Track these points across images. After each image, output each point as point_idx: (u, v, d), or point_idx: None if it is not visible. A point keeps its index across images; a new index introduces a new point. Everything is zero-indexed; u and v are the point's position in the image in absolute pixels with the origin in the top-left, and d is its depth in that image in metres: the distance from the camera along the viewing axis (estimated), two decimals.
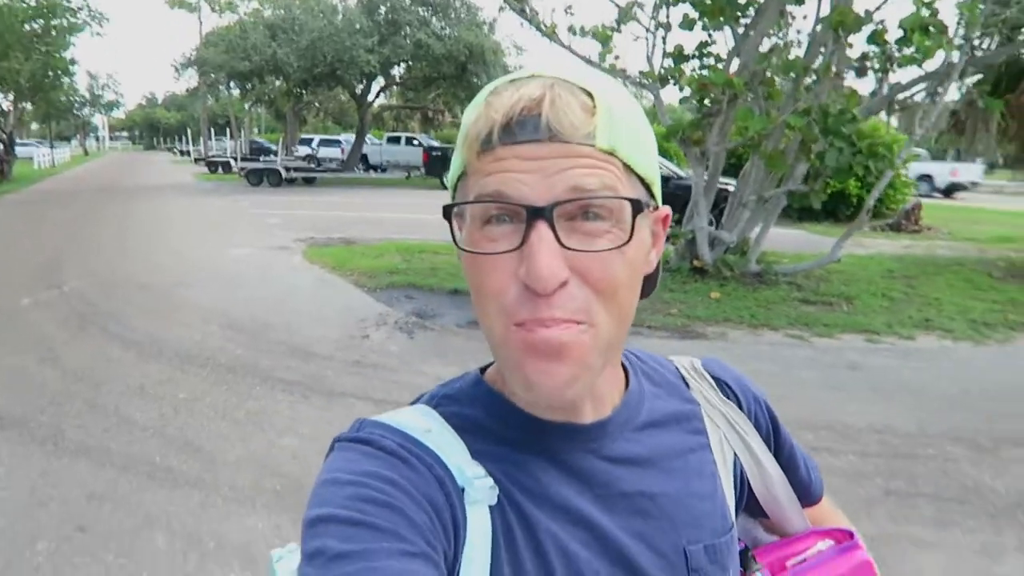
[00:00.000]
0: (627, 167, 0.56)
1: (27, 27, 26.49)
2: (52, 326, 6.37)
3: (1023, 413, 4.58)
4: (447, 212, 0.58)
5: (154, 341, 5.89)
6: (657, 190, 0.60)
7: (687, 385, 0.74)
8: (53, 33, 27.89)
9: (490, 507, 0.58)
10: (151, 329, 6.25)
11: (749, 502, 0.76)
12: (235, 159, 29.09)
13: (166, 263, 9.52)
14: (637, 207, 0.55)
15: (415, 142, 30.13)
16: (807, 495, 0.79)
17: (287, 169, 24.65)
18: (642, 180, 0.58)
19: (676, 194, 9.41)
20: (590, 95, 0.54)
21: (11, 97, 30.83)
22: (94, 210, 16.57)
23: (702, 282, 8.10)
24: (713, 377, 0.75)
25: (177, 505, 3.29)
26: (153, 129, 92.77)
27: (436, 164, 24.58)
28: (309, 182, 25.65)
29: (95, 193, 21.41)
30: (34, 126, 72.95)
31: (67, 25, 28.46)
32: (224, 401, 4.58)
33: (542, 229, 0.51)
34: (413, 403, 0.69)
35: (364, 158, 30.78)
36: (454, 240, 0.58)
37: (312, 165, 26.49)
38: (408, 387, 4.83)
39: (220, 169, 31.00)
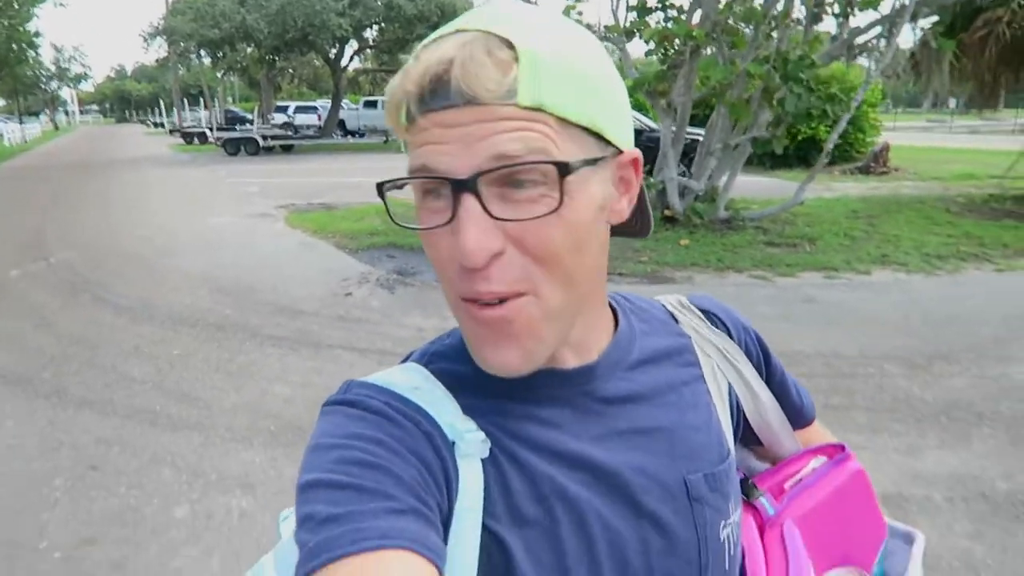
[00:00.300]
0: (563, 120, 0.51)
1: None
2: (43, 295, 6.58)
3: (958, 334, 4.96)
4: (379, 189, 0.58)
5: (145, 306, 6.13)
6: (616, 135, 0.56)
7: (676, 320, 0.74)
8: (16, 5, 27.25)
9: (483, 460, 0.57)
10: (141, 295, 6.49)
11: (744, 430, 0.76)
12: (211, 129, 28.84)
13: (149, 234, 9.68)
14: (563, 169, 0.51)
15: None
16: (799, 418, 0.81)
17: (264, 137, 24.54)
18: (588, 130, 0.53)
19: (648, 146, 9.67)
20: (512, 46, 0.50)
21: None
22: (72, 185, 16.55)
23: (673, 230, 8.40)
24: (701, 310, 0.76)
25: (180, 446, 3.59)
26: (124, 101, 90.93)
27: None
28: (287, 150, 25.56)
29: (70, 168, 21.27)
30: (0, 102, 71.36)
31: None
32: (216, 356, 4.86)
33: (468, 202, 0.50)
34: (403, 362, 0.68)
35: (341, 124, 30.59)
36: (389, 216, 0.58)
37: (289, 132, 26.37)
38: (390, 338, 5.13)
39: (196, 140, 30.73)
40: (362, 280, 6.81)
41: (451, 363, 0.64)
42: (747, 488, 0.76)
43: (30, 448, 3.60)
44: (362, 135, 29.57)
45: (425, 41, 0.54)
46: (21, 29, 28.48)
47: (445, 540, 0.54)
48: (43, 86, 58.15)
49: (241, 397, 4.18)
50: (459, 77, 0.49)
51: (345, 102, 32.22)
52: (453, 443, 0.57)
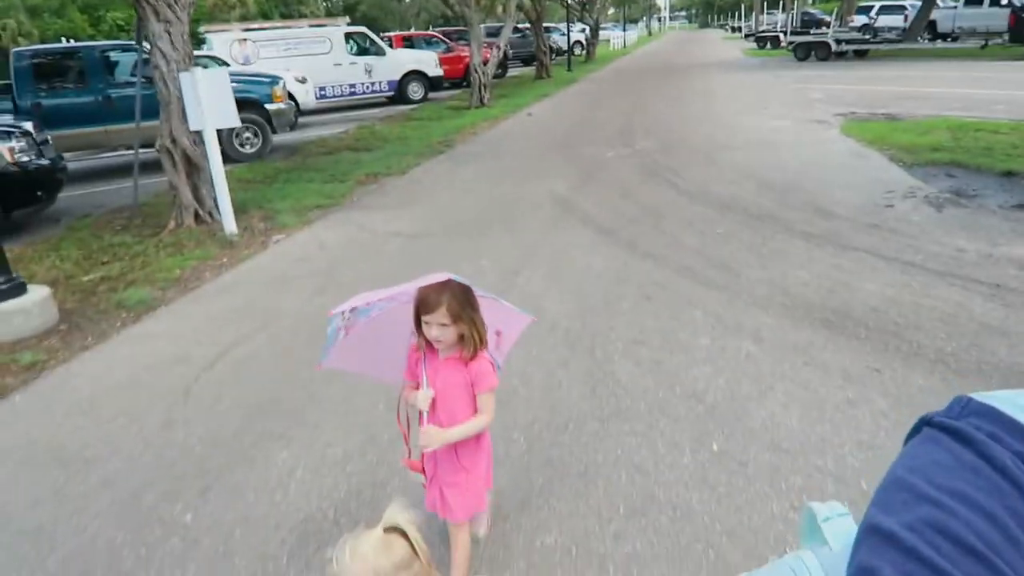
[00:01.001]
0: None
1: None
2: (628, 172, 8.29)
3: None
4: None
5: (701, 191, 7.22)
6: None
7: None
8: None
9: None
10: (699, 182, 7.61)
11: None
12: (784, 33, 28.87)
13: (713, 131, 10.86)
14: None
15: (1002, 2, 24.93)
16: None
17: (837, 42, 23.53)
18: None
19: None
20: None
21: None
22: (654, 85, 19.11)
23: None
24: None
25: (711, 299, 4.48)
26: (708, 7, 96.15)
27: None
28: (861, 55, 24.03)
29: (655, 70, 24.34)
30: (611, 11, 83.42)
31: None
32: (751, 239, 5.59)
33: None
34: None
35: (931, 25, 26.97)
36: None
37: (867, 36, 24.60)
38: (922, 252, 5.04)
39: (768, 44, 31.23)
40: (908, 194, 6.59)
41: None
42: None
43: (609, 277, 4.98)
44: (955, 39, 25.64)
45: None
46: None
47: None
48: None
49: (765, 273, 4.83)
50: None
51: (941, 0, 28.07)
52: None
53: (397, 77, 18.05)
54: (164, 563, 2.49)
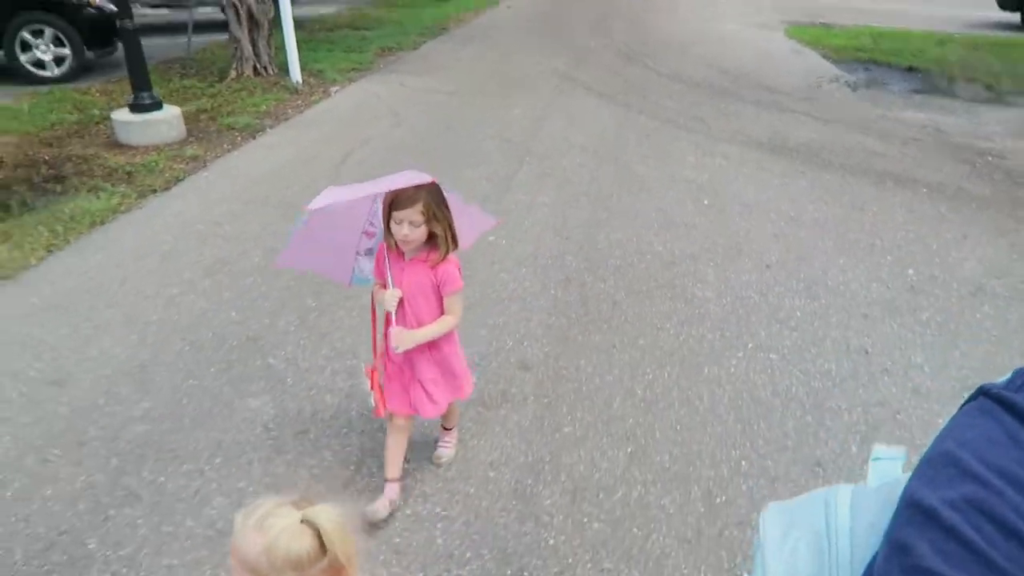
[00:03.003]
0: None
1: None
2: (611, 58, 9.86)
3: None
4: None
5: (675, 73, 8.89)
6: None
7: None
8: None
9: None
10: (672, 67, 9.27)
11: None
12: None
13: (677, 31, 12.43)
14: None
15: None
16: None
17: None
18: None
19: None
20: None
21: None
22: None
23: None
24: None
25: (691, 137, 6.24)
26: None
27: None
28: None
29: None
30: None
31: None
32: (716, 105, 7.35)
33: None
34: None
35: None
36: None
37: None
38: (839, 114, 6.91)
39: None
40: (833, 80, 8.46)
41: None
42: None
43: (614, 124, 6.67)
44: None
45: None
46: None
47: None
48: None
49: (728, 124, 6.63)
50: None
51: None
52: None
53: None
54: None
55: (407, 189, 1.90)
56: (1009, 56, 9.60)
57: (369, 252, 2.21)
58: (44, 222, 4.48)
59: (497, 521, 2.25)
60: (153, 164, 5.54)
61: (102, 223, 4.51)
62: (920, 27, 11.93)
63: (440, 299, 2.09)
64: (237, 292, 3.63)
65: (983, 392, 0.47)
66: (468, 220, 2.21)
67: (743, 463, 2.45)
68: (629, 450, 2.52)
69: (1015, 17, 12.40)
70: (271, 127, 6.62)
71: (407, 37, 11.41)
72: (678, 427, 2.63)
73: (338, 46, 10.51)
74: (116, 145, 6.10)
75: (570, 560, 2.10)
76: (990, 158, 5.75)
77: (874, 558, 0.46)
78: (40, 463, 2.46)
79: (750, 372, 2.95)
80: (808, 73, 8.86)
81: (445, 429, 2.49)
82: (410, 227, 1.93)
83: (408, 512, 2.28)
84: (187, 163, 5.61)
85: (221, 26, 8.87)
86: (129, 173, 5.39)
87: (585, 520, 2.25)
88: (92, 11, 8.01)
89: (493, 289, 3.65)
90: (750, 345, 3.14)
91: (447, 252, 2.03)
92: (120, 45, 8.60)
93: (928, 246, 4.13)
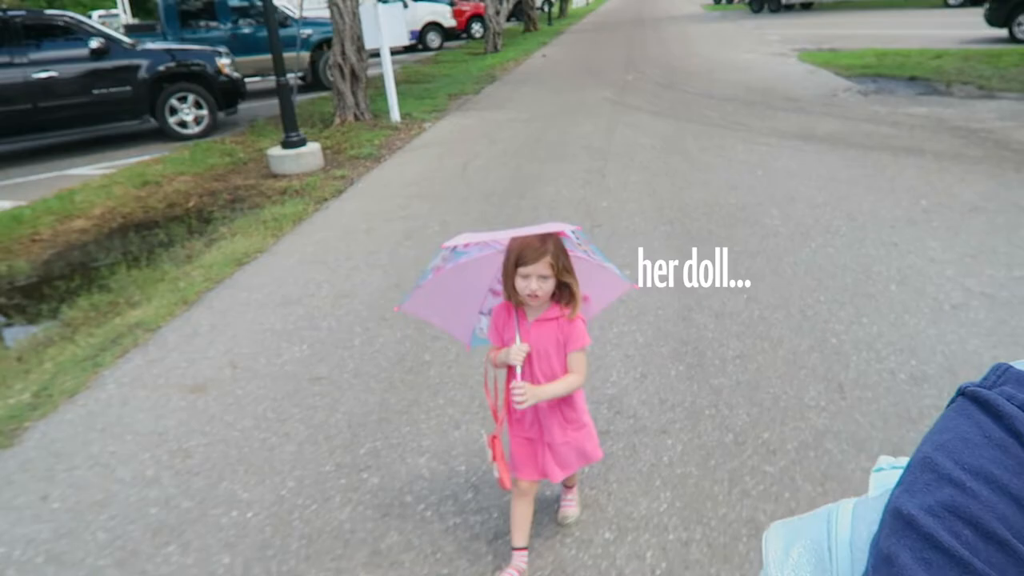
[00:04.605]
0: None
1: None
2: (649, 87, 11.41)
3: None
4: None
5: (707, 93, 10.39)
6: None
7: None
8: None
9: None
10: (704, 89, 10.78)
11: None
12: None
13: (699, 63, 14.03)
14: None
15: None
16: None
17: None
18: None
19: None
20: None
21: None
22: (633, 33, 22.15)
23: None
24: None
25: (736, 135, 7.64)
26: None
27: None
28: (807, 7, 27.46)
29: (628, 23, 27.32)
30: None
31: None
32: (750, 112, 8.79)
33: None
34: None
35: None
36: None
37: None
38: (854, 114, 8.30)
39: (724, 0, 34.41)
40: (846, 90, 9.90)
41: None
42: None
43: (670, 130, 8.10)
44: None
45: None
46: None
47: None
48: None
49: (764, 124, 8.04)
50: None
51: None
52: None
53: (418, 27, 20.63)
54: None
55: (532, 242, 1.82)
56: (998, 63, 10.99)
57: (491, 312, 2.11)
58: (254, 225, 5.94)
59: None
60: (314, 183, 7.05)
61: (300, 220, 5.97)
62: (918, 46, 13.41)
63: (565, 359, 1.96)
64: (418, 253, 5.03)
65: (961, 392, 0.46)
66: (603, 281, 2.11)
67: (821, 297, 3.75)
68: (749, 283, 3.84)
69: (1003, 32, 13.85)
70: (389, 155, 8.15)
71: (466, 85, 13.11)
72: (774, 286, 3.94)
73: (409, 96, 12.17)
74: (272, 175, 7.65)
75: None
76: (982, 134, 7.07)
77: (866, 571, 0.45)
78: (365, 331, 3.82)
79: (816, 257, 4.27)
80: (823, 86, 10.32)
81: (567, 487, 2.36)
82: (539, 281, 1.84)
83: None
84: (340, 180, 7.12)
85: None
86: (297, 191, 6.89)
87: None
88: (223, 79, 9.74)
89: (616, 232, 5.01)
90: (813, 245, 4.46)
91: (578, 304, 1.93)
92: (236, 106, 10.36)
93: (935, 187, 5.44)
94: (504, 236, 1.87)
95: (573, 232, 1.93)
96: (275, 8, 10.63)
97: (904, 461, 0.57)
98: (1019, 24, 13.49)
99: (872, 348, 3.21)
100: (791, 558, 0.59)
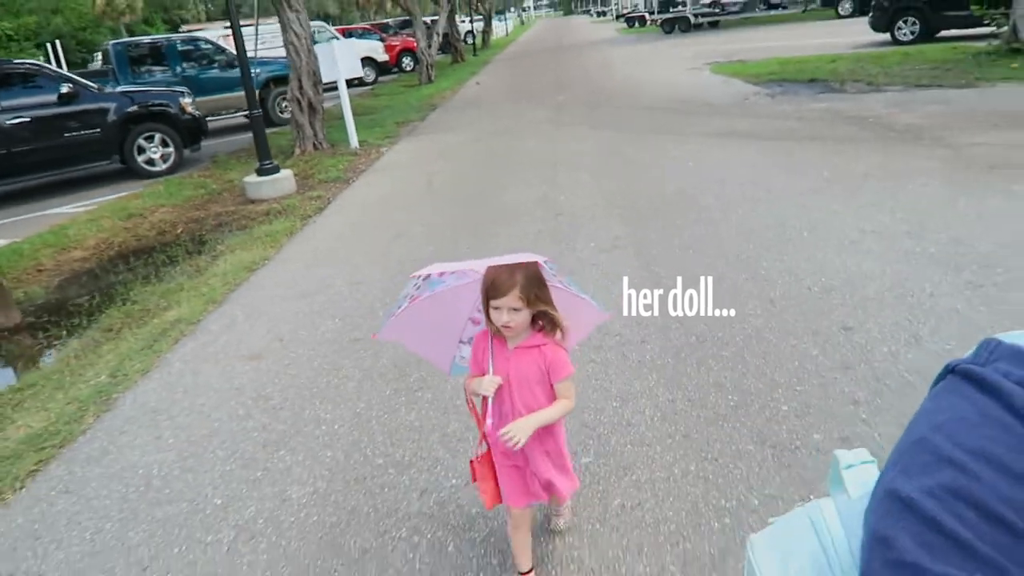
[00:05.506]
0: None
1: None
2: (581, 106, 12.48)
3: None
4: None
5: (635, 106, 11.51)
6: None
7: None
8: None
9: None
10: (632, 103, 11.90)
11: None
12: (649, 13, 34.15)
13: (622, 82, 15.26)
14: None
15: None
16: None
17: (695, 16, 28.87)
18: None
19: None
20: None
21: None
22: (556, 58, 23.51)
23: (1011, 58, 10.67)
24: None
25: (668, 137, 8.68)
26: None
27: None
28: (714, 26, 29.55)
29: (549, 50, 28.81)
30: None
31: None
32: (676, 118, 9.89)
33: None
34: None
35: None
36: None
37: (716, 10, 30.15)
38: (765, 112, 9.48)
39: (636, 23, 36.49)
40: (756, 94, 11.17)
41: None
42: None
43: (610, 140, 9.09)
44: (784, 7, 31.67)
45: None
46: None
47: None
48: None
49: (689, 126, 9.12)
50: None
51: None
52: None
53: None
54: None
55: (501, 274, 1.82)
56: (883, 62, 12.54)
57: (472, 340, 2.11)
58: (249, 241, 6.55)
59: None
60: (294, 204, 7.70)
61: (293, 233, 6.62)
62: (815, 53, 14.98)
63: (550, 388, 1.95)
64: (411, 248, 5.77)
65: (950, 370, 0.46)
66: (579, 312, 2.07)
67: (750, 246, 4.68)
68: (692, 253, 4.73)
69: (886, 36, 15.62)
70: (356, 177, 8.86)
71: (410, 113, 13.94)
72: (714, 244, 4.85)
73: (359, 125, 12.83)
74: (249, 201, 8.25)
75: None
76: (871, 120, 8.31)
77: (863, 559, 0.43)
78: (386, 306, 4.52)
79: (744, 220, 5.21)
80: (736, 93, 11.58)
81: (558, 503, 2.33)
82: (510, 313, 1.84)
83: None
84: (318, 200, 7.79)
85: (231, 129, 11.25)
86: (280, 211, 7.53)
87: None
88: (187, 117, 10.28)
89: (577, 218, 5.87)
90: (740, 212, 5.41)
91: (558, 332, 1.93)
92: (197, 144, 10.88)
93: (835, 163, 6.53)
94: (480, 265, 1.85)
95: (546, 262, 1.91)
96: (225, 50, 11.30)
97: (861, 452, 0.59)
98: (899, 28, 15.29)
99: (792, 273, 4.14)
100: (791, 572, 0.58)
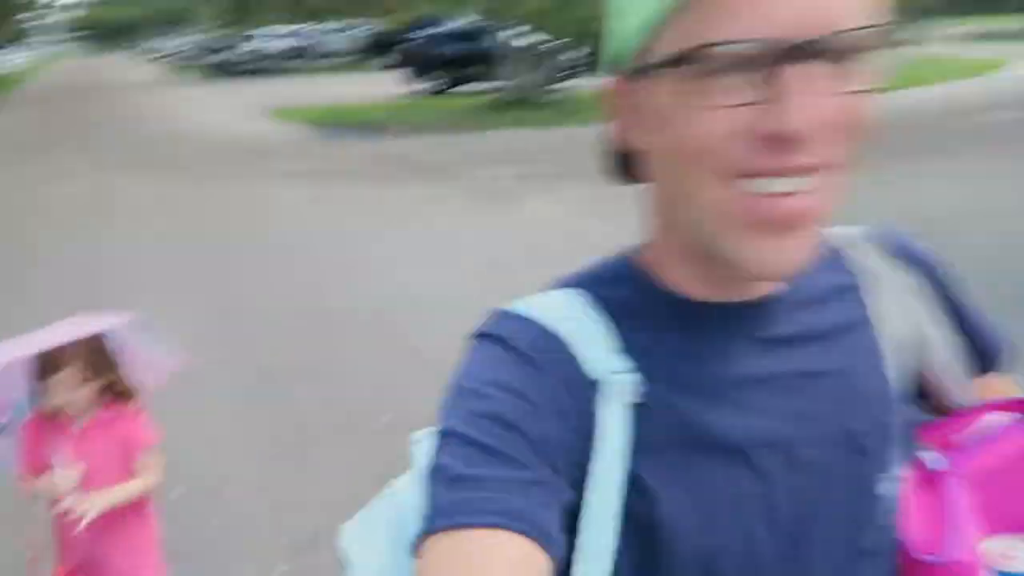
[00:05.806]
0: None
1: None
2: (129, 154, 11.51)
3: None
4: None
5: (195, 153, 11.08)
6: None
7: (845, 255, 0.65)
8: None
9: (636, 404, 0.54)
10: (190, 151, 11.42)
11: (913, 378, 0.66)
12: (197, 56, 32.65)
13: (170, 127, 14.51)
14: (890, 40, 0.49)
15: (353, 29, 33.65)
16: (983, 365, 0.68)
17: (239, 63, 28.85)
18: None
19: None
20: None
21: None
22: (94, 104, 20.99)
23: (506, 110, 13.35)
24: (879, 244, 0.66)
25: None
26: (108, 29, 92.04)
27: None
28: (255, 73, 29.54)
29: (82, 90, 25.52)
30: None
31: None
32: (238, 164, 9.85)
33: (802, 68, 0.44)
34: (562, 285, 0.62)
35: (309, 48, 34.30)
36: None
37: (257, 58, 30.39)
38: (317, 154, 10.11)
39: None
40: (308, 138, 11.78)
41: (614, 289, 0.60)
42: (911, 440, 0.66)
43: (151, 189, 8.64)
44: (328, 57, 33.41)
45: None
46: None
47: (581, 495, 0.52)
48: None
49: (252, 170, 9.19)
50: None
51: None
52: (596, 383, 0.54)
53: None
54: None
55: (52, 354, 1.62)
56: (417, 109, 14.47)
57: (3, 431, 1.77)
58: None
59: None
60: None
61: None
62: (359, 101, 16.28)
63: (128, 465, 1.74)
64: None
65: (476, 333, 0.58)
66: (149, 358, 1.86)
67: (301, 268, 5.08)
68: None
69: (427, 84, 17.81)
70: None
71: None
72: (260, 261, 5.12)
73: None
74: None
75: None
76: (405, 159, 9.65)
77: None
78: None
79: (289, 238, 5.62)
80: (291, 135, 12.12)
81: None
82: (68, 390, 1.65)
83: None
84: None
85: None
86: None
87: None
88: None
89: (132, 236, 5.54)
90: (291, 236, 5.82)
91: (131, 400, 1.77)
92: None
93: (378, 194, 7.43)
94: (22, 347, 1.63)
95: (110, 325, 1.72)
96: None
97: (427, 430, 0.66)
98: (433, 80, 17.62)
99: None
100: (376, 547, 0.64)
